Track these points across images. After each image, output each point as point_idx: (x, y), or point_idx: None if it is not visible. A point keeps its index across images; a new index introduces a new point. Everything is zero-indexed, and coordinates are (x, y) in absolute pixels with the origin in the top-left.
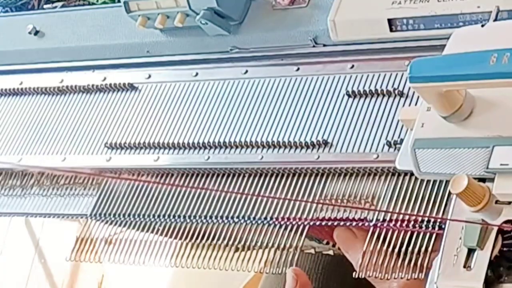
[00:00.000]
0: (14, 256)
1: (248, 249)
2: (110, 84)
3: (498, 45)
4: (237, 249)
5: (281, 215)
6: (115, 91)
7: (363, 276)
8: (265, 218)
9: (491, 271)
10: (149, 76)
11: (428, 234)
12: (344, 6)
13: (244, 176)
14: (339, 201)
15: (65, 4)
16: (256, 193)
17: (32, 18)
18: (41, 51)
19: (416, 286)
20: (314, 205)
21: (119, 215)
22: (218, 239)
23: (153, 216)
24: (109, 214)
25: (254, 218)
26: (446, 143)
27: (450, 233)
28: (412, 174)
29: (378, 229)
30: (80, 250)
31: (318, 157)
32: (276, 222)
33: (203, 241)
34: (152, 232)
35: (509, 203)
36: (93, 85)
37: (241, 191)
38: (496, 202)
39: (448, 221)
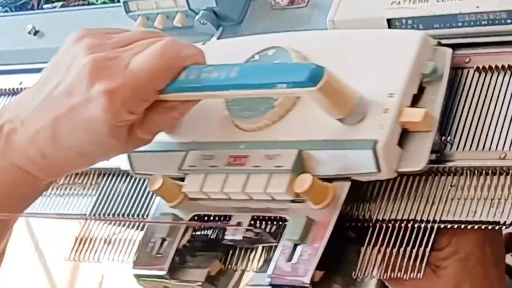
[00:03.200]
0: (14, 256)
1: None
2: None
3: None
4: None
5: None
6: None
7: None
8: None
9: (178, 258)
10: None
11: (427, 234)
12: (343, 6)
13: None
14: None
15: (65, 4)
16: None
17: (32, 18)
18: (41, 51)
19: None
20: None
21: (118, 215)
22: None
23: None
24: (109, 214)
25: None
26: (155, 147)
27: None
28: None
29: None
30: (79, 250)
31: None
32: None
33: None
34: None
35: (197, 199)
36: None
37: None
38: (190, 199)
39: (151, 216)
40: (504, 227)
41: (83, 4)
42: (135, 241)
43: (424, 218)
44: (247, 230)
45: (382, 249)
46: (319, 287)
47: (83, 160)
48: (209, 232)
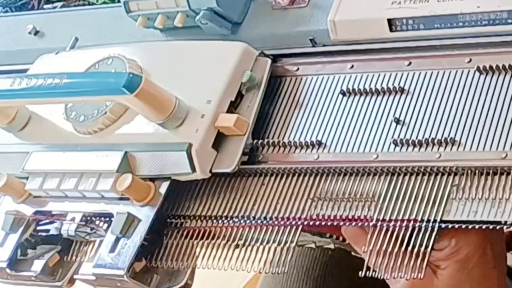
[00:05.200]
0: None
1: (248, 246)
2: None
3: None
4: (237, 246)
5: (281, 214)
6: None
7: (369, 275)
8: (265, 218)
9: (20, 251)
10: None
11: (428, 233)
12: (343, 6)
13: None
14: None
15: (65, 4)
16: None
17: (32, 18)
18: (41, 51)
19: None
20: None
21: None
22: (218, 238)
23: None
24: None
25: (253, 217)
26: (4, 148)
27: None
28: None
29: (384, 228)
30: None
31: (318, 157)
32: (275, 221)
33: (203, 240)
34: None
35: (40, 197)
36: None
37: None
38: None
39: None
40: (505, 227)
41: (84, 4)
42: None
43: (425, 218)
44: (80, 225)
45: (383, 248)
46: (140, 277)
47: None
48: (49, 227)
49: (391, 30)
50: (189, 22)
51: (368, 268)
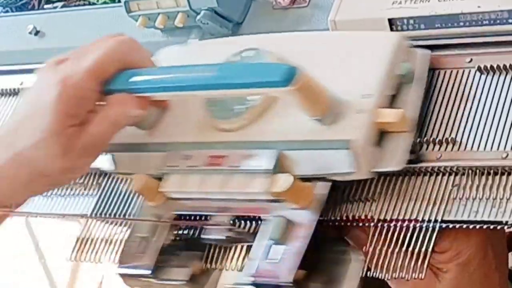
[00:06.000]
0: (14, 256)
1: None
2: None
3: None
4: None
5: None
6: None
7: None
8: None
9: (161, 257)
10: None
11: (429, 234)
12: (344, 6)
13: None
14: None
15: (66, 4)
16: None
17: (33, 18)
18: (42, 51)
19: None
20: None
21: (119, 215)
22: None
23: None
24: (110, 215)
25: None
26: (132, 147)
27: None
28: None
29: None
30: (80, 250)
31: None
32: None
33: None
34: None
35: (177, 199)
36: None
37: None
38: (171, 198)
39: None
40: (506, 227)
41: (84, 4)
42: None
43: (426, 218)
44: (227, 229)
45: (384, 249)
46: (301, 286)
47: (27, 172)
48: (190, 231)
49: (391, 29)
50: (190, 22)
51: (368, 269)
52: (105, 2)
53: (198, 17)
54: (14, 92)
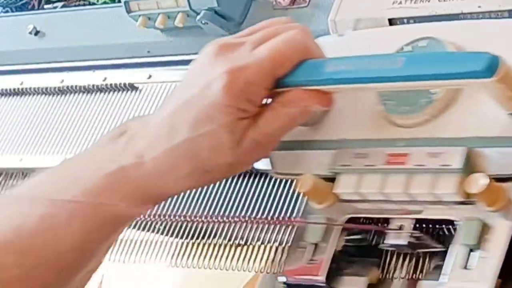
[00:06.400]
0: None
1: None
2: (111, 84)
3: (358, 53)
4: (239, 244)
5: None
6: (116, 91)
7: None
8: (265, 218)
9: (333, 265)
10: (150, 76)
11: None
12: (344, 6)
13: (244, 176)
14: None
15: (66, 4)
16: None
17: (33, 18)
18: (42, 51)
19: None
20: None
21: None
22: (219, 238)
23: (154, 215)
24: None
25: (254, 218)
26: (298, 145)
27: (298, 229)
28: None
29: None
30: None
31: None
32: (276, 221)
33: (204, 240)
34: (152, 231)
35: (350, 201)
36: (93, 85)
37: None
38: (341, 200)
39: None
40: None
41: (84, 4)
42: (136, 241)
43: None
44: (408, 234)
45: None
46: None
47: (188, 164)
48: (362, 236)
49: None
50: (190, 22)
51: None
52: (105, 2)
53: (198, 17)
54: (14, 92)
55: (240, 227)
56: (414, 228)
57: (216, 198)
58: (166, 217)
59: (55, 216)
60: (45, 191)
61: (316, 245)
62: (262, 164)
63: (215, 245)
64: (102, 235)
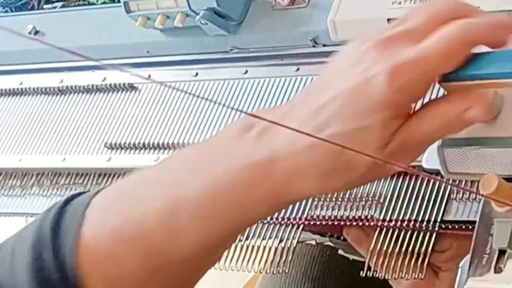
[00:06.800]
0: None
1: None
2: (110, 84)
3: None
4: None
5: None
6: (115, 91)
7: (370, 275)
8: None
9: None
10: (149, 76)
11: (429, 234)
12: (344, 6)
13: None
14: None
15: (65, 4)
16: None
17: (32, 18)
18: (41, 51)
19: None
20: (315, 203)
21: None
22: None
23: None
24: None
25: None
26: (475, 142)
27: (479, 234)
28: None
29: (385, 228)
30: None
31: None
32: (276, 221)
33: None
34: None
35: None
36: (93, 85)
37: None
38: None
39: (477, 222)
40: None
41: (83, 4)
42: None
43: (425, 218)
44: None
45: (384, 249)
46: None
47: (331, 162)
48: None
49: None
50: (189, 22)
51: (368, 268)
52: (104, 2)
53: (198, 17)
54: (14, 92)
55: None
56: None
57: None
58: None
59: (174, 216)
60: (166, 182)
61: (502, 251)
62: (433, 163)
63: None
64: (221, 239)
